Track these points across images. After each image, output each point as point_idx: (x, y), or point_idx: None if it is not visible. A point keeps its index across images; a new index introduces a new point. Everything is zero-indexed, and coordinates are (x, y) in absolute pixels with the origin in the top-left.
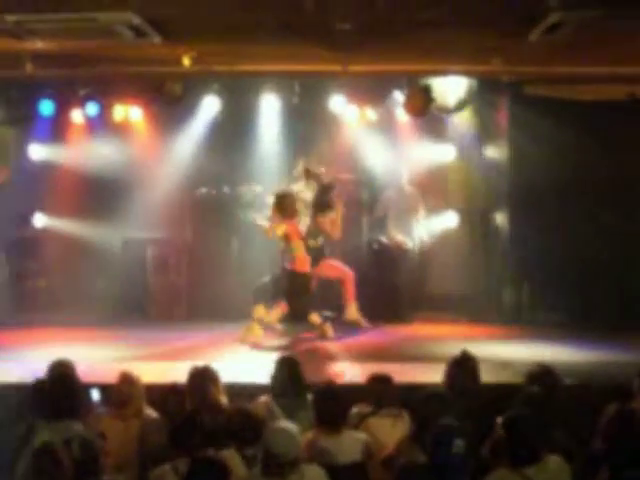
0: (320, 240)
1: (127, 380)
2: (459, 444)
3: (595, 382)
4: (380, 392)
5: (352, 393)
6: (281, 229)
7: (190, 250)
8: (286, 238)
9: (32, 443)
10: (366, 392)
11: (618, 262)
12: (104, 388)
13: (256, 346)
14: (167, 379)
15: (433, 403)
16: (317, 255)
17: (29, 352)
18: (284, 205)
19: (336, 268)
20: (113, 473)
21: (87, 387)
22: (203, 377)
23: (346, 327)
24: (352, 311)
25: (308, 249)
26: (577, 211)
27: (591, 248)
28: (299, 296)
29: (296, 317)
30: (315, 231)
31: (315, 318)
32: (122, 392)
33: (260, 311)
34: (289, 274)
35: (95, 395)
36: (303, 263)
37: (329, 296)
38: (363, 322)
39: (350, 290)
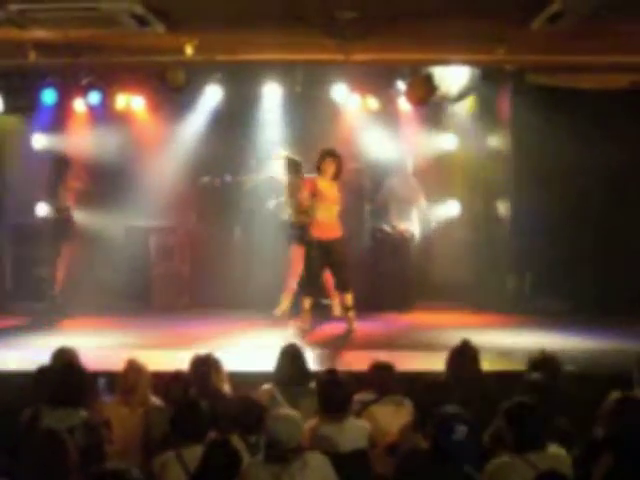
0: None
1: (134, 367)
2: (461, 431)
3: (596, 370)
4: (381, 379)
5: (355, 381)
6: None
7: (193, 238)
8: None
9: (36, 430)
10: (368, 380)
11: (620, 250)
12: (109, 376)
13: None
14: (170, 367)
15: (435, 391)
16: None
17: (33, 340)
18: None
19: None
20: (117, 460)
21: (91, 375)
22: (205, 364)
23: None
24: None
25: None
26: (579, 200)
27: (593, 237)
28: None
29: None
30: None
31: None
32: (129, 379)
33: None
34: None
35: (101, 383)
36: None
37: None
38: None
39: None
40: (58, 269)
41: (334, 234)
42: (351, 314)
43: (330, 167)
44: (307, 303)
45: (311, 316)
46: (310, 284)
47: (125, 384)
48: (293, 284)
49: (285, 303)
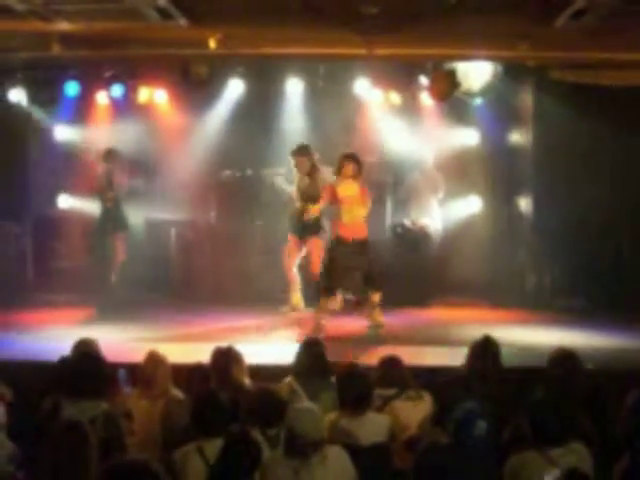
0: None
1: (153, 359)
2: (481, 426)
3: (615, 368)
4: (390, 373)
5: (374, 375)
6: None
7: (214, 232)
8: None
9: (57, 420)
10: (377, 374)
11: None
12: (130, 368)
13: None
14: (191, 360)
15: (454, 386)
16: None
17: (54, 331)
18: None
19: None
20: (137, 452)
21: (113, 366)
22: (226, 357)
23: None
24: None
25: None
26: (600, 197)
27: (613, 234)
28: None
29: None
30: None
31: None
32: (148, 371)
33: None
34: None
35: (121, 375)
36: None
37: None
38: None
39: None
40: (110, 260)
41: (357, 234)
42: (377, 309)
43: (348, 168)
44: (325, 303)
45: (329, 311)
46: (331, 284)
47: (145, 376)
48: (293, 276)
49: (294, 299)
